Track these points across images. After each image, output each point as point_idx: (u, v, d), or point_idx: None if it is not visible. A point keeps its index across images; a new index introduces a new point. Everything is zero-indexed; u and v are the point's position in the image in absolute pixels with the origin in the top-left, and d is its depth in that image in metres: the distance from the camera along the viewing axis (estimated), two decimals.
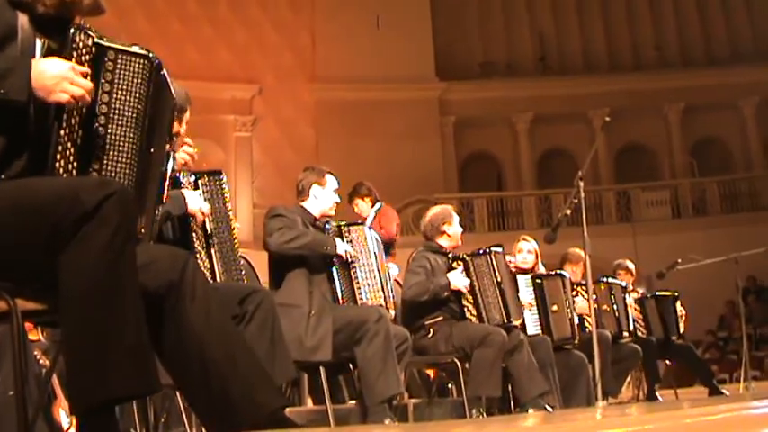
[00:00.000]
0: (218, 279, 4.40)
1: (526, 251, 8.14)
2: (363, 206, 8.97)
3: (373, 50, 25.15)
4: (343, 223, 6.26)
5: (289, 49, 25.61)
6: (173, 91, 2.96)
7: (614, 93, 25.79)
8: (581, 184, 6.88)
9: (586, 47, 28.17)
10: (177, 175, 4.48)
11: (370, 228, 6.52)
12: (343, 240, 6.08)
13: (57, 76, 2.57)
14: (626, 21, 28.34)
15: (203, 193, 4.57)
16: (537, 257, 8.21)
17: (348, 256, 6.00)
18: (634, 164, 26.89)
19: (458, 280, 6.92)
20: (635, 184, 25.63)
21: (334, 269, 6.00)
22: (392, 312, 6.26)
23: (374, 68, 25.02)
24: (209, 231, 4.49)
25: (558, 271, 8.25)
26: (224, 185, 4.69)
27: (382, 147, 24.47)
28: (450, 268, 7.05)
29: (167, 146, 3.04)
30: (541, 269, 8.28)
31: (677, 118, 27.09)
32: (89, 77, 2.66)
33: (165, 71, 2.86)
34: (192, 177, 4.60)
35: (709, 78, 26.40)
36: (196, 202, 4.36)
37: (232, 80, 24.48)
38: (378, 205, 9.02)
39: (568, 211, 6.99)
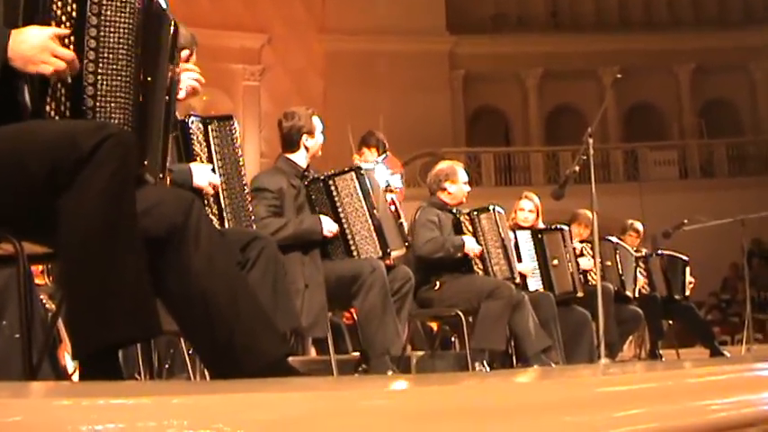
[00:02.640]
0: (226, 226, 4.38)
1: (528, 210, 8.12)
2: (369, 156, 8.90)
3: (384, 2, 25.04)
4: (329, 174, 5.99)
5: None
6: (169, 15, 2.87)
7: (625, 51, 25.65)
8: (590, 141, 6.86)
9: (599, 4, 28.04)
10: (186, 121, 4.42)
11: (362, 169, 6.18)
12: (331, 190, 5.93)
13: (36, 47, 2.48)
14: None
15: (213, 138, 4.51)
16: (538, 215, 8.20)
17: (344, 236, 5.85)
18: (643, 123, 26.85)
19: (472, 244, 6.94)
20: (643, 143, 25.63)
21: None
22: (395, 252, 6.18)
23: (384, 20, 24.91)
24: (218, 177, 4.44)
25: (558, 225, 8.22)
26: (234, 131, 4.61)
27: (391, 99, 24.39)
28: (457, 224, 7.06)
29: (170, 72, 2.97)
30: (541, 226, 8.26)
31: (687, 78, 27.02)
32: (74, 17, 2.61)
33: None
34: (201, 124, 4.54)
35: (721, 40, 26.31)
36: (204, 176, 4.23)
37: (241, 29, 24.40)
38: (382, 157, 8.95)
39: (577, 168, 6.98)
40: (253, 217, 4.63)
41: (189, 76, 3.88)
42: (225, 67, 23.23)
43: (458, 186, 7.20)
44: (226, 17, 23.91)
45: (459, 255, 6.89)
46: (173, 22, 2.92)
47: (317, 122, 6.01)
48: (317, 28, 25.66)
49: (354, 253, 5.89)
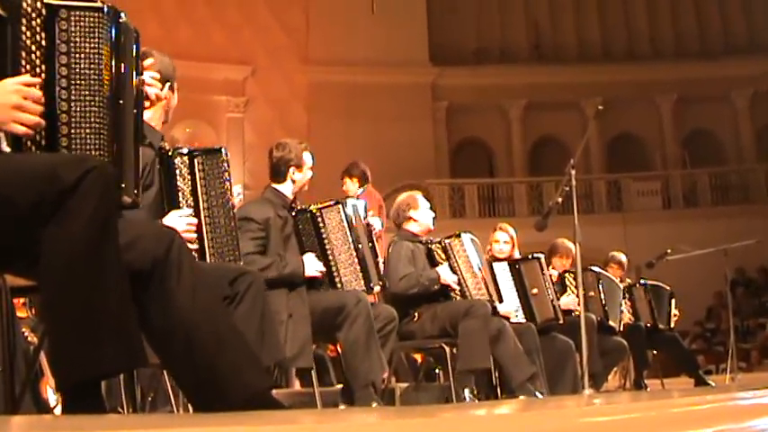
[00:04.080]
0: (207, 260, 4.33)
1: (503, 241, 8.10)
2: (351, 186, 8.94)
3: (367, 34, 25.11)
4: (316, 207, 6.00)
5: (282, 30, 25.58)
6: (131, 27, 2.87)
7: (607, 82, 25.76)
8: (572, 172, 6.88)
9: (581, 36, 28.17)
10: (171, 154, 4.36)
11: (347, 203, 6.20)
12: (318, 222, 5.95)
13: (5, 106, 2.49)
14: (621, 11, 28.34)
15: (199, 172, 4.44)
16: (513, 246, 8.19)
17: (320, 274, 5.83)
18: (626, 154, 26.93)
19: (447, 275, 6.93)
20: (626, 173, 25.70)
21: None
22: (377, 288, 6.22)
23: (368, 52, 24.99)
24: (201, 214, 4.38)
25: (534, 254, 8.21)
26: (223, 165, 4.52)
27: (374, 130, 24.45)
28: (430, 254, 7.05)
29: (136, 85, 2.96)
30: (517, 256, 8.25)
31: (670, 109, 27.14)
32: (44, 46, 2.62)
33: (123, 17, 2.78)
34: (187, 158, 4.45)
35: (703, 70, 26.44)
36: (179, 222, 4.18)
37: (225, 61, 24.44)
38: (362, 189, 8.97)
39: (559, 199, 7.01)
40: (240, 252, 4.56)
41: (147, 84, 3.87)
42: (209, 98, 23.27)
43: (421, 212, 7.21)
44: (209, 49, 23.95)
45: (435, 287, 6.88)
46: (136, 34, 2.92)
47: (307, 158, 6.01)
48: (301, 59, 25.72)
49: (339, 285, 5.90)
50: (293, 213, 5.96)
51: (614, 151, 27.10)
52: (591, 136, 24.02)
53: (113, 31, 2.73)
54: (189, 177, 4.42)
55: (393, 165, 22.38)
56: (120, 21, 2.77)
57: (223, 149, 4.57)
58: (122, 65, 2.79)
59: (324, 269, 5.84)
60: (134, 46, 2.92)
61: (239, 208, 5.76)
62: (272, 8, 25.54)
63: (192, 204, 4.38)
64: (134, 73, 2.94)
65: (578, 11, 28.24)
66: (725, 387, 8.55)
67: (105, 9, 2.71)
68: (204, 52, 23.39)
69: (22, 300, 5.31)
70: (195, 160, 4.42)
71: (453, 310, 6.73)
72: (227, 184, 4.50)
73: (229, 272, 3.79)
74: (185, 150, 4.43)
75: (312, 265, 5.78)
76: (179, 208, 4.33)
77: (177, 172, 4.40)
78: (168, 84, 4.35)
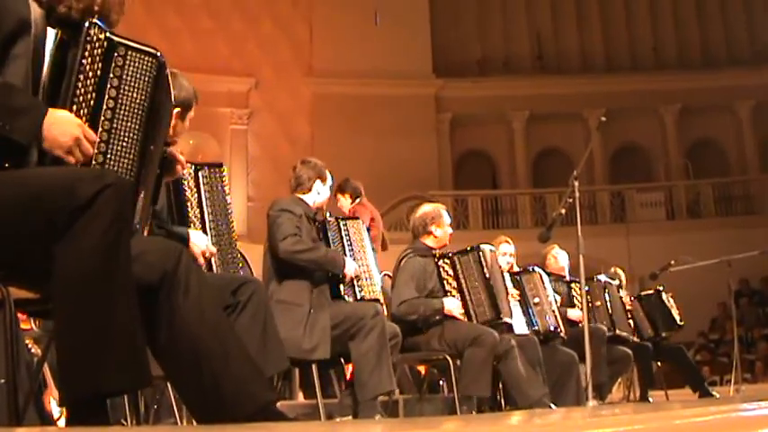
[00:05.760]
0: (214, 271, 4.37)
1: (509, 254, 8.10)
2: (344, 202, 9.10)
3: (371, 46, 25.14)
4: (341, 218, 6.29)
5: (286, 42, 25.61)
6: (171, 91, 2.99)
7: (611, 93, 25.79)
8: (576, 183, 6.88)
9: (584, 46, 28.16)
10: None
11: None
12: (343, 231, 6.13)
13: (69, 135, 2.59)
14: (624, 21, 28.33)
15: (203, 185, 4.50)
16: (513, 260, 8.19)
17: (353, 278, 5.99)
18: (629, 164, 26.91)
19: (453, 305, 6.84)
20: (630, 184, 25.66)
21: None
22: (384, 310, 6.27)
23: (371, 64, 25.01)
24: (207, 225, 4.43)
25: (534, 267, 8.22)
26: (224, 179, 4.63)
27: (378, 142, 24.46)
28: (438, 268, 6.99)
29: (165, 150, 3.08)
30: (516, 269, 8.25)
31: (673, 119, 27.10)
32: (98, 75, 2.71)
33: (168, 71, 2.92)
34: (192, 169, 4.54)
35: (706, 80, 26.43)
36: (200, 243, 4.25)
37: (229, 73, 24.46)
38: (356, 200, 9.09)
39: (563, 211, 7.01)
40: (240, 265, 4.62)
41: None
42: (212, 110, 23.26)
43: (443, 230, 7.13)
44: (213, 62, 23.97)
45: (436, 318, 6.80)
46: (173, 104, 3.03)
47: (328, 175, 6.25)
48: (305, 71, 25.75)
49: (357, 292, 6.05)
50: (317, 222, 6.14)
51: (618, 162, 27.08)
52: (594, 147, 24.05)
53: (159, 79, 2.85)
54: (195, 189, 4.48)
55: (396, 176, 22.41)
56: (166, 71, 2.90)
57: (224, 164, 4.70)
58: (160, 112, 2.91)
59: (357, 272, 6.06)
60: (169, 115, 3.08)
61: (274, 201, 6.03)
62: (276, 21, 25.58)
63: (198, 216, 4.43)
64: (165, 138, 3.09)
65: (581, 22, 28.23)
66: (729, 398, 8.53)
67: (158, 55, 2.85)
68: (208, 64, 23.40)
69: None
70: (200, 173, 4.50)
71: (461, 335, 6.67)
72: (228, 197, 4.59)
73: (232, 281, 3.81)
74: (190, 163, 4.49)
75: (351, 264, 5.97)
76: (188, 219, 4.38)
77: (184, 183, 4.46)
78: (179, 109, 4.39)
